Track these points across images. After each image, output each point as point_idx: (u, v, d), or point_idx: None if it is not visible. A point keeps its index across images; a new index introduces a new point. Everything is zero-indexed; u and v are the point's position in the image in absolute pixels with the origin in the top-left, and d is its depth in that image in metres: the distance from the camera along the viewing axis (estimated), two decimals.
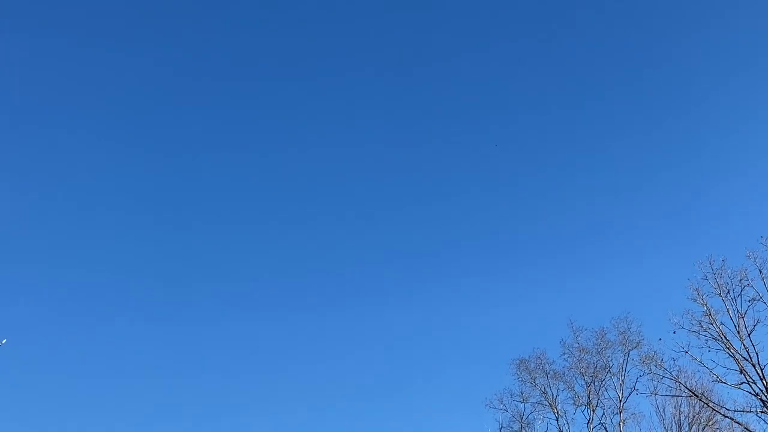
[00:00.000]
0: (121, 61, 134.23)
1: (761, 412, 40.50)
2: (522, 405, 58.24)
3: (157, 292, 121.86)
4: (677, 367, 46.51)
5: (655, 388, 51.08)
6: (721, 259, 43.47)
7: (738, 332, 41.62)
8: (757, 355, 40.63)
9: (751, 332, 41.13)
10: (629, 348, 55.51)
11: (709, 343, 41.93)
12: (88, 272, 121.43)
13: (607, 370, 56.21)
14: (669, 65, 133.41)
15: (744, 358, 40.95)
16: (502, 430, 58.07)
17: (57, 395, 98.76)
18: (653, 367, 47.46)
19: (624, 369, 55.62)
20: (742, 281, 42.18)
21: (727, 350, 41.45)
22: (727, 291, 42.52)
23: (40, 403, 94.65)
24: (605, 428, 55.34)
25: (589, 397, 56.17)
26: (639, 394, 54.04)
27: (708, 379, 45.02)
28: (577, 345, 57.58)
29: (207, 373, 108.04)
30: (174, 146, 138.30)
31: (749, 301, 41.76)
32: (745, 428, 43.32)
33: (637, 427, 55.33)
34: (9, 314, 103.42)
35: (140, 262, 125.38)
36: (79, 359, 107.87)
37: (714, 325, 41.98)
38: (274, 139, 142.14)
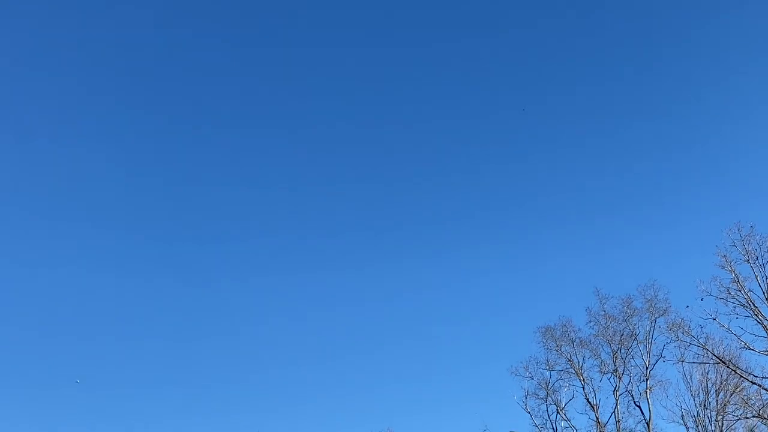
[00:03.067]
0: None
1: None
2: (548, 372, 58.56)
3: (152, 248, 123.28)
4: (704, 334, 46.34)
5: (682, 356, 50.93)
6: (749, 225, 43.15)
7: (766, 299, 41.38)
8: None
9: None
10: (656, 315, 55.43)
11: (737, 309, 41.83)
12: (84, 225, 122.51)
13: (633, 337, 56.19)
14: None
15: None
16: (528, 397, 58.52)
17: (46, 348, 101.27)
18: (680, 335, 47.42)
19: (651, 336, 55.60)
20: None
21: (755, 317, 41.27)
22: (755, 257, 42.29)
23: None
24: (632, 395, 55.51)
25: (615, 365, 56.23)
26: (666, 362, 54.05)
27: (736, 346, 44.96)
28: (603, 313, 57.57)
29: (198, 331, 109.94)
30: (174, 115, 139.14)
31: None
32: None
33: (663, 394, 55.45)
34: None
35: (135, 217, 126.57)
36: (68, 311, 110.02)
37: (742, 291, 41.76)
38: (277, 113, 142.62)
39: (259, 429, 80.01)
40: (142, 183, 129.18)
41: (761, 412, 44.40)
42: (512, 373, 59.00)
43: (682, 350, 50.33)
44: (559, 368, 58.08)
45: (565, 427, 57.19)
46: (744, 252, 42.46)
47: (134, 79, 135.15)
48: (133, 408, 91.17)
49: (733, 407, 51.25)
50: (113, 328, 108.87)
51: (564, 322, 59.26)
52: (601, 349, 57.20)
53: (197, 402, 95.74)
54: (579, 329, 58.62)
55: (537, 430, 57.86)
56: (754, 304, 41.33)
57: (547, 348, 58.75)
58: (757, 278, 41.94)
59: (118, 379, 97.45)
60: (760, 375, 43.28)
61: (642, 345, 55.87)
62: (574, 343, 58.29)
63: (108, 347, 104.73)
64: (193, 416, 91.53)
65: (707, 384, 53.85)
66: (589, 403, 56.56)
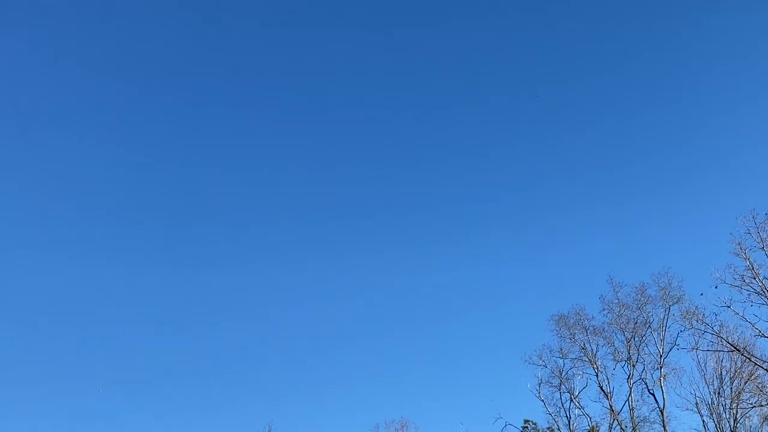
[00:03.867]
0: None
1: None
2: (561, 361, 58.58)
3: (153, 237, 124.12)
4: (719, 322, 46.24)
5: (697, 343, 50.76)
6: (764, 212, 42.93)
7: None
8: None
9: None
10: (670, 303, 55.31)
11: (752, 297, 41.68)
12: (86, 213, 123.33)
13: (647, 325, 56.10)
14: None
15: None
16: (542, 385, 58.59)
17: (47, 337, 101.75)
18: (694, 322, 47.32)
19: (665, 324, 55.51)
20: None
21: None
22: None
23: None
24: (645, 383, 55.49)
25: (629, 353, 56.19)
26: (680, 349, 54.04)
27: (750, 334, 44.83)
28: (617, 301, 57.51)
29: (200, 318, 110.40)
30: (170, 109, 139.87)
31: None
32: None
33: (677, 382, 55.37)
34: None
35: (138, 204, 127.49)
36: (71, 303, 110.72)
37: (757, 279, 41.59)
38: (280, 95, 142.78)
39: (270, 421, 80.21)
40: (140, 176, 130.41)
41: None
42: (526, 361, 59.14)
43: (696, 338, 50.24)
44: (573, 356, 58.18)
45: (579, 416, 57.36)
46: (758, 239, 42.31)
47: (132, 74, 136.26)
48: (135, 405, 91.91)
49: (748, 395, 51.15)
50: (112, 323, 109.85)
51: (578, 310, 59.33)
52: (614, 337, 57.25)
53: (205, 396, 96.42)
54: (593, 317, 58.69)
55: (551, 418, 58.11)
56: None
57: (561, 336, 58.84)
58: None
59: (119, 377, 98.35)
60: None
61: (656, 333, 55.86)
62: (588, 331, 58.33)
63: (108, 344, 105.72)
64: (201, 410, 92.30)
65: (721, 372, 53.76)
66: (603, 391, 56.60)
